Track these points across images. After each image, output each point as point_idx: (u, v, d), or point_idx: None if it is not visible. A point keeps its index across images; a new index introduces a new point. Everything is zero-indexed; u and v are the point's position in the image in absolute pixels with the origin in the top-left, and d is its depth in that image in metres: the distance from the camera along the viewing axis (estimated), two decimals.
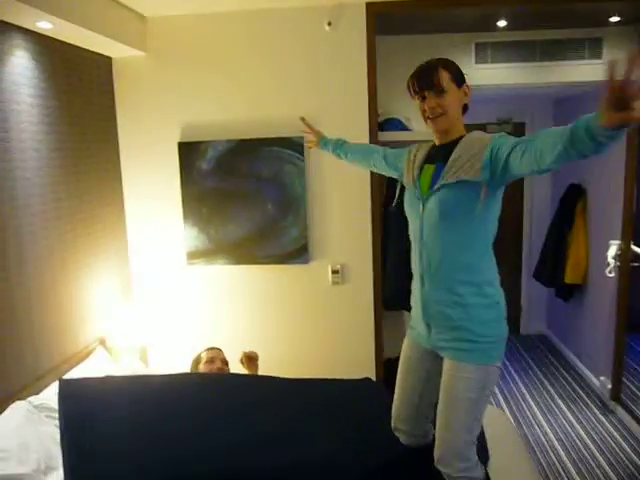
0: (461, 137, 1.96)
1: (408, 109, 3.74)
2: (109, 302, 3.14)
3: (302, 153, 3.21)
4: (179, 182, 3.30)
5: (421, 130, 3.65)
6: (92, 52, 3.07)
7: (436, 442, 1.96)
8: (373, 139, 3.22)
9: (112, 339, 3.04)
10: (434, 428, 2.05)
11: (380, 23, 3.19)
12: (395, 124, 3.58)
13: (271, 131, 3.24)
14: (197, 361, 3.03)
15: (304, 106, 3.23)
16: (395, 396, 2.18)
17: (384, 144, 3.36)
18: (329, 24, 3.13)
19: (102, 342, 3.00)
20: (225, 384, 2.61)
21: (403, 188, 2.12)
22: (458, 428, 1.91)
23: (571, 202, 4.87)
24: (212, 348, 3.08)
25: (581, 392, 4.59)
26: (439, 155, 1.98)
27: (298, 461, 2.03)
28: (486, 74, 3.79)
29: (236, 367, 3.11)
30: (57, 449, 2.08)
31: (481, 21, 3.45)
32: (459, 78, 1.96)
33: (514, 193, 5.72)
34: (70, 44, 2.85)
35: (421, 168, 2.03)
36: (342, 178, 3.28)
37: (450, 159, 1.89)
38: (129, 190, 3.40)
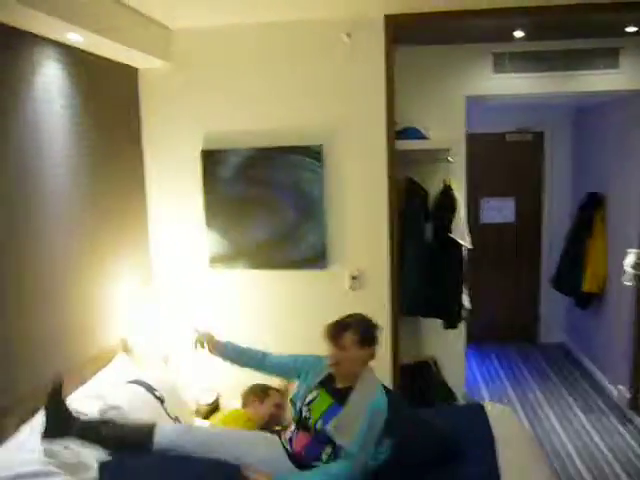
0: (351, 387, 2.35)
1: (427, 118, 3.80)
2: (131, 304, 3.22)
3: (320, 160, 3.28)
4: (201, 188, 3.40)
5: (438, 139, 3.73)
6: (119, 63, 3.19)
7: None
8: (390, 147, 3.28)
9: (133, 341, 3.12)
10: None
11: (398, 34, 3.25)
12: (413, 132, 3.64)
13: (291, 139, 3.32)
14: (264, 393, 3.05)
15: (323, 115, 3.30)
16: None
17: (402, 152, 3.44)
18: (348, 35, 3.21)
19: (123, 344, 3.08)
20: None
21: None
22: None
23: (590, 210, 4.87)
24: (279, 391, 3.10)
25: (599, 401, 4.57)
26: (335, 393, 2.38)
27: None
28: (504, 83, 3.84)
29: None
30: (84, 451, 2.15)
31: (498, 31, 3.50)
32: (367, 341, 2.36)
33: (533, 199, 5.74)
34: (99, 55, 2.96)
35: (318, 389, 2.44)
36: (359, 184, 3.34)
37: (336, 416, 2.28)
38: (153, 195, 3.50)
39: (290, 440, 2.41)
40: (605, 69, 3.74)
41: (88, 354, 2.81)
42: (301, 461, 2.33)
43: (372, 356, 2.40)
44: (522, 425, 2.89)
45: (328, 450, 2.29)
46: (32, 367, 2.41)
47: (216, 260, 3.43)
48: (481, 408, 2.89)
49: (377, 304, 3.39)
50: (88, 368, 2.74)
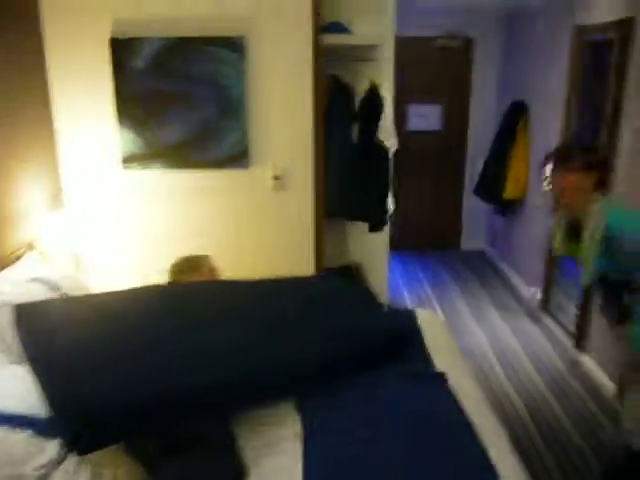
0: None
1: (350, 13, 3.62)
2: (38, 207, 3.01)
3: (242, 54, 3.07)
4: (112, 82, 3.13)
5: (363, 33, 3.58)
6: None
7: None
8: (316, 41, 3.10)
9: (43, 244, 2.94)
10: None
11: None
12: (337, 27, 3.46)
13: (210, 29, 3.07)
14: (197, 262, 2.86)
15: (246, 3, 3.07)
16: None
17: (327, 47, 3.27)
18: None
19: (31, 247, 2.89)
20: (197, 292, 2.51)
21: None
22: None
23: (514, 118, 4.92)
24: (208, 256, 2.92)
25: (514, 303, 4.82)
26: None
27: (296, 360, 2.08)
28: None
29: None
30: None
31: None
32: None
33: (460, 107, 5.72)
34: None
35: None
36: (283, 81, 3.17)
37: None
38: (58, 90, 3.19)
39: None
40: None
41: None
42: None
43: None
44: (449, 331, 2.95)
45: None
46: None
47: (130, 160, 3.21)
48: (411, 313, 2.94)
49: (301, 206, 3.33)
50: None
